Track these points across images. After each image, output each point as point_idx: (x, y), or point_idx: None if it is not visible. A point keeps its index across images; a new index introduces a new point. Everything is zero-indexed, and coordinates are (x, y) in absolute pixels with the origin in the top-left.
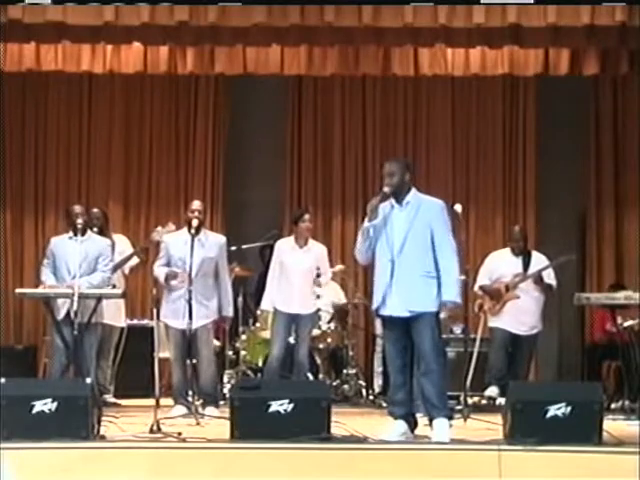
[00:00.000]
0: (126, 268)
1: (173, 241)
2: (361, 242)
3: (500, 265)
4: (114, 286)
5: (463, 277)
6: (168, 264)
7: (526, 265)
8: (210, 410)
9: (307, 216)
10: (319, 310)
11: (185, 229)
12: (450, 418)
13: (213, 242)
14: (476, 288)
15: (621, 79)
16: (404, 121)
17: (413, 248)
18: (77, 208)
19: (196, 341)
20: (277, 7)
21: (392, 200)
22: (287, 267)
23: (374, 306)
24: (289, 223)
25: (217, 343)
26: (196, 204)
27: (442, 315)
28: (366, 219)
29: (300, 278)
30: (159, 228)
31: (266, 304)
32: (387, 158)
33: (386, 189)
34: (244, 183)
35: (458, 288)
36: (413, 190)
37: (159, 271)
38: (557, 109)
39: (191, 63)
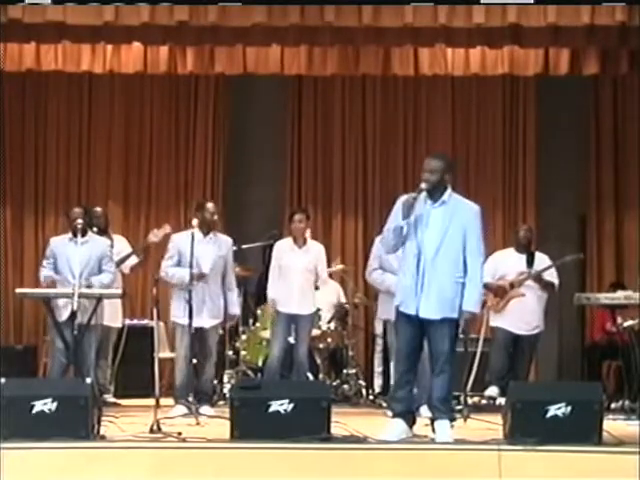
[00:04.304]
0: (126, 268)
1: (184, 241)
2: (391, 239)
3: (503, 264)
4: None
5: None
6: (179, 263)
7: (530, 263)
8: (205, 409)
9: (297, 216)
10: (319, 310)
11: (193, 230)
12: (452, 420)
13: (222, 241)
14: None
15: (621, 79)
16: (404, 121)
17: (447, 251)
18: (76, 210)
19: (207, 341)
20: (277, 7)
21: (425, 196)
22: (286, 267)
23: (396, 302)
24: (289, 223)
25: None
26: (210, 207)
27: (461, 324)
28: (397, 216)
29: (299, 278)
30: (155, 230)
31: (271, 294)
32: (432, 154)
33: (423, 185)
34: (244, 183)
35: (479, 299)
36: (449, 189)
37: (175, 271)
38: (557, 109)
39: (191, 63)
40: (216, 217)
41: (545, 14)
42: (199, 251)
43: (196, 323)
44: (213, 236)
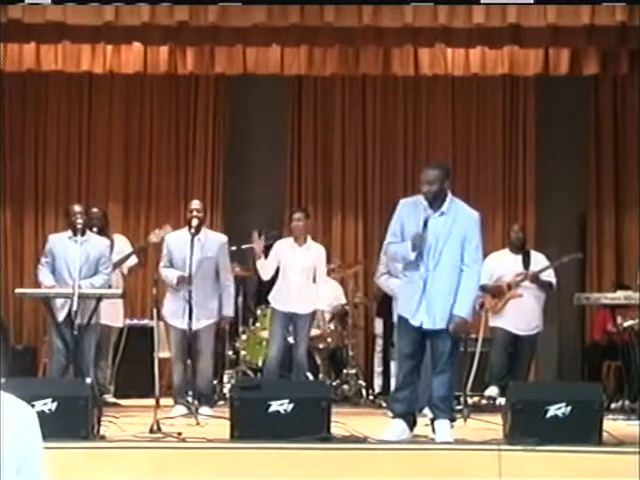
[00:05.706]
0: (125, 268)
1: (174, 241)
2: (398, 261)
3: (500, 265)
4: (110, 287)
5: None
6: (171, 264)
7: (526, 264)
8: (204, 410)
9: (297, 215)
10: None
11: (186, 229)
12: (452, 420)
13: (213, 241)
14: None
15: (621, 79)
16: (404, 121)
17: (447, 262)
18: (77, 208)
19: (198, 342)
20: (277, 7)
21: (425, 204)
22: (285, 266)
23: (399, 311)
24: (289, 223)
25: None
26: (195, 204)
27: (450, 327)
28: (406, 247)
29: (298, 277)
30: (156, 230)
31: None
32: (429, 164)
33: (424, 199)
34: (244, 183)
35: (471, 305)
36: (449, 197)
37: (167, 272)
38: (557, 109)
39: (191, 63)
40: (197, 213)
41: (545, 14)
42: (186, 254)
43: (186, 324)
44: (203, 236)
